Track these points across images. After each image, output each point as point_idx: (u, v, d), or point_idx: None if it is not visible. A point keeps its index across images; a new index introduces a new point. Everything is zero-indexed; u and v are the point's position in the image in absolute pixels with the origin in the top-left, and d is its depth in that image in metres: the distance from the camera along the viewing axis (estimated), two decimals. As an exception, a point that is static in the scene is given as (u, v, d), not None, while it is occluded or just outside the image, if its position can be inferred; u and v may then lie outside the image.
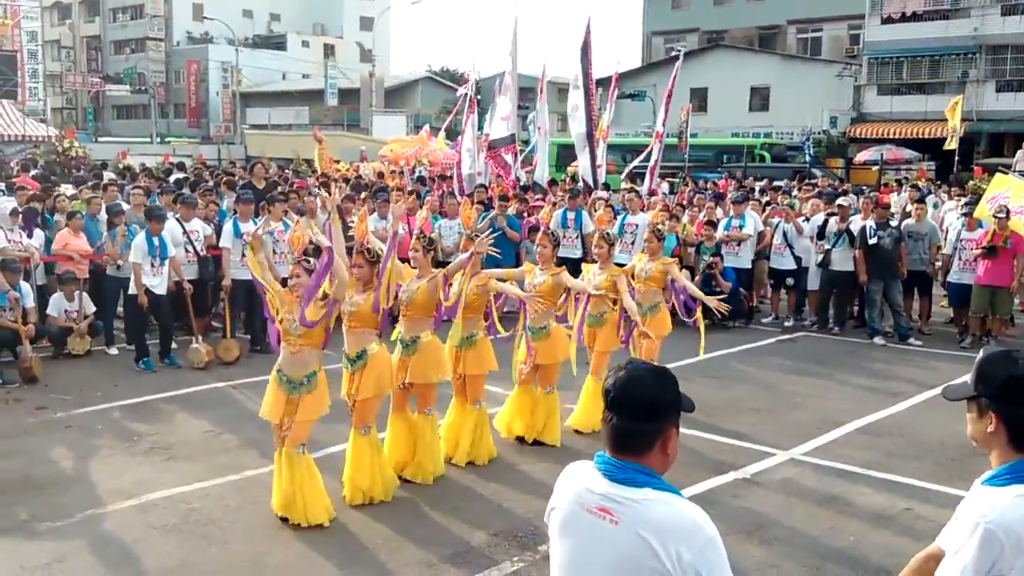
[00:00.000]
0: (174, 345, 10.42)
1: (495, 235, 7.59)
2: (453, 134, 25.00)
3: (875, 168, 27.85)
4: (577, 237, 13.11)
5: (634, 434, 2.46)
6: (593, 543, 2.44)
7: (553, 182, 18.14)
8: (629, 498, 2.40)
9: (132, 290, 10.10)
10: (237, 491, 6.50)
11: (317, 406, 5.95)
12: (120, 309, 11.26)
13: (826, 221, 12.45)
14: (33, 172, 18.65)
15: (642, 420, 2.45)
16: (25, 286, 10.22)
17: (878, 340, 11.84)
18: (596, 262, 8.27)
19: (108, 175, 18.47)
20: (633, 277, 8.39)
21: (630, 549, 2.37)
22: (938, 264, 12.82)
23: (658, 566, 2.33)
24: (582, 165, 16.82)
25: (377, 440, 6.42)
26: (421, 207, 12.40)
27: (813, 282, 12.81)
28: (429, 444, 6.74)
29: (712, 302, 8.15)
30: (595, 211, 13.76)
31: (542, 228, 8.12)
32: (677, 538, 2.33)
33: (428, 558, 5.51)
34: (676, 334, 8.55)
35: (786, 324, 12.97)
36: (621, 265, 8.59)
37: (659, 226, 9.11)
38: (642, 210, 13.58)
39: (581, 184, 16.68)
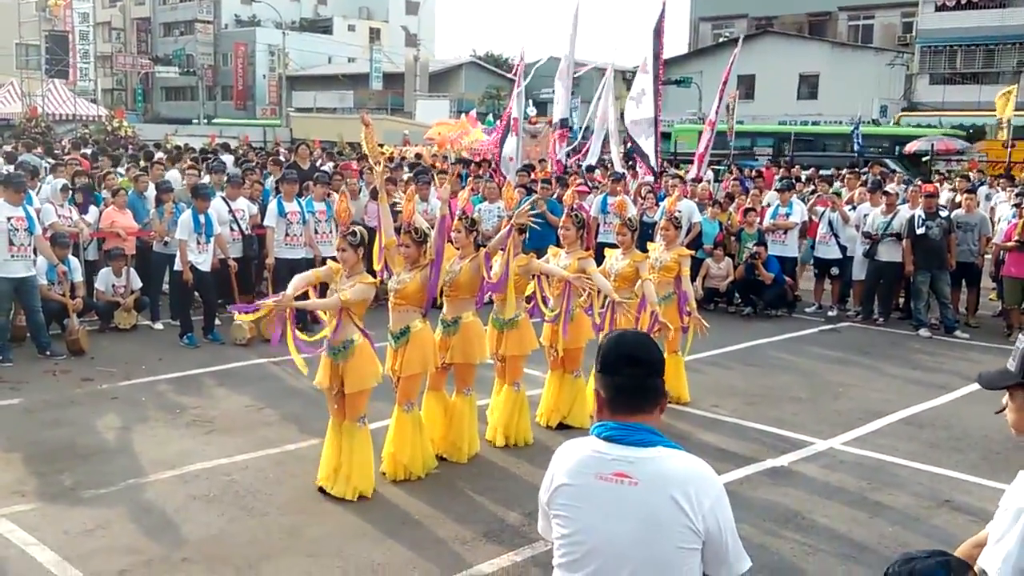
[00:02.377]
0: (217, 321, 10.56)
1: (535, 214, 7.55)
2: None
3: (925, 159, 27.36)
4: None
5: (646, 390, 2.54)
6: (616, 508, 2.45)
7: (592, 168, 18.05)
8: (643, 457, 2.45)
9: (178, 266, 10.24)
10: (276, 464, 6.58)
11: (362, 376, 5.97)
12: (166, 285, 11.44)
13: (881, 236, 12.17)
14: (84, 150, 19.00)
15: (654, 375, 2.55)
16: (74, 260, 10.42)
17: (923, 332, 11.65)
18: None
19: (158, 154, 18.74)
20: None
21: (654, 506, 2.41)
22: (987, 256, 12.56)
23: (682, 518, 2.40)
24: (646, 149, 16.64)
25: (420, 417, 6.47)
26: (464, 188, 12.44)
27: (858, 272, 12.63)
28: (466, 424, 6.76)
29: (691, 323, 8.09)
30: (641, 197, 13.71)
31: (565, 210, 8.04)
32: (696, 489, 2.42)
33: (463, 534, 5.54)
34: (711, 322, 8.43)
35: (829, 314, 12.82)
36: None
37: (676, 214, 8.94)
38: (686, 197, 13.46)
39: (620, 168, 16.59)
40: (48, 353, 9.39)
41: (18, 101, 30.28)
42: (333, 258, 6.65)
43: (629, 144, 17.22)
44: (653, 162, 16.33)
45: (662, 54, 16.58)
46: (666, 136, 25.20)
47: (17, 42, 33.21)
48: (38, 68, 31.55)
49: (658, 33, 16.36)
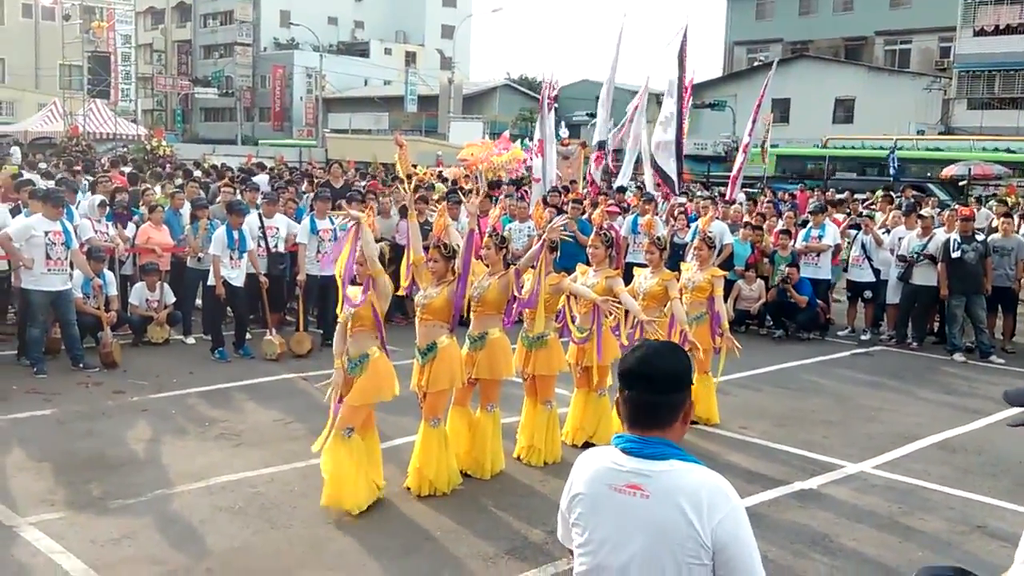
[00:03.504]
0: (248, 336, 10.65)
1: (565, 233, 7.55)
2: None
3: (962, 183, 27.06)
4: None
5: (661, 407, 2.50)
6: (627, 521, 2.45)
7: (621, 189, 18.06)
8: (657, 470, 2.44)
9: (211, 281, 10.35)
10: (302, 478, 6.60)
11: (364, 391, 5.99)
12: (199, 300, 11.58)
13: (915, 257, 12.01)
14: (123, 168, 19.32)
15: (669, 391, 2.49)
16: (109, 275, 10.58)
17: (958, 357, 11.48)
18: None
19: (196, 173, 19.05)
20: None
21: (665, 519, 2.39)
22: (1024, 281, 12.37)
23: (692, 533, 2.37)
24: (669, 172, 16.63)
25: (446, 433, 6.47)
26: (494, 206, 12.50)
27: (892, 295, 12.48)
28: (490, 441, 6.75)
29: (723, 344, 8.07)
30: (672, 218, 13.68)
31: (595, 229, 8.04)
32: (708, 504, 2.38)
33: (486, 551, 5.52)
34: (742, 344, 8.36)
35: (863, 337, 12.67)
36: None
37: (709, 234, 8.91)
38: (718, 218, 13.40)
39: (652, 190, 16.57)
40: (82, 366, 9.51)
41: (60, 120, 30.89)
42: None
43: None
44: (676, 185, 16.32)
45: (684, 77, 16.59)
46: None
47: (61, 63, 33.92)
48: (80, 88, 32.20)
49: (681, 57, 16.38)
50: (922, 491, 6.85)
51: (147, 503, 6.10)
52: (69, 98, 32.11)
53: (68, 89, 32.96)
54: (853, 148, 34.33)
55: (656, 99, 19.70)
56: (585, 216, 13.05)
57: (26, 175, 15.26)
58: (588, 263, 7.95)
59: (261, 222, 11.21)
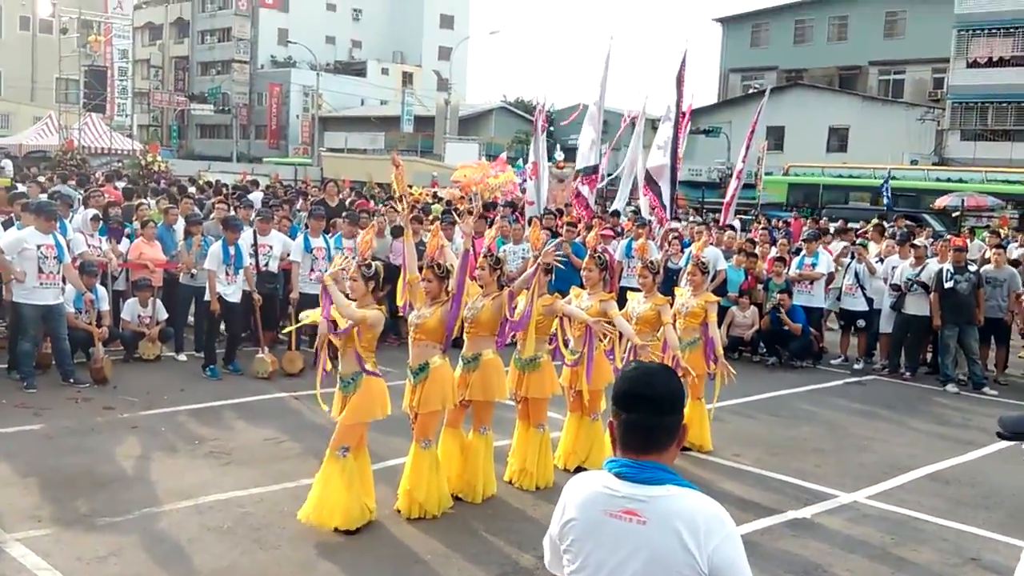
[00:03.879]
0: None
1: (559, 255, 7.53)
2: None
3: (955, 214, 27.16)
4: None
5: (658, 429, 2.47)
6: (621, 547, 2.41)
7: (616, 213, 18.11)
8: (653, 496, 2.40)
9: (207, 297, 10.31)
10: (292, 498, 6.54)
11: (357, 410, 5.97)
12: (191, 318, 11.53)
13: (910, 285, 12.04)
14: (118, 183, 19.28)
15: (667, 413, 2.47)
16: (101, 290, 10.53)
17: (951, 387, 11.48)
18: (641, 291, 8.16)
19: (190, 189, 19.03)
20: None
21: (662, 545, 2.36)
22: (1016, 312, 12.38)
23: (688, 559, 2.34)
24: (664, 195, 16.72)
25: (436, 455, 6.43)
26: (489, 228, 12.50)
27: (885, 324, 12.50)
28: (482, 463, 6.70)
29: (717, 370, 8.03)
30: (668, 243, 13.70)
31: (588, 251, 8.05)
32: (705, 530, 2.35)
33: (476, 575, 5.47)
34: (735, 371, 8.34)
35: (855, 367, 12.66)
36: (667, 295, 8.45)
37: (703, 260, 8.92)
38: (712, 244, 13.42)
39: (647, 215, 16.62)
40: (72, 381, 9.44)
41: (55, 134, 30.87)
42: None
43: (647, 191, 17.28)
44: (668, 209, 16.39)
45: (682, 102, 16.69)
46: (750, 187, 24.86)
47: (57, 76, 33.92)
48: (76, 102, 32.17)
49: (679, 82, 16.49)
50: (915, 522, 6.83)
51: (135, 521, 6.04)
52: (65, 112, 32.08)
53: (64, 103, 32.89)
54: (868, 177, 33.61)
55: (652, 124, 19.77)
56: (579, 239, 13.05)
57: (20, 188, 15.23)
58: (582, 286, 7.94)
59: (255, 239, 11.15)
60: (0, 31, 51.63)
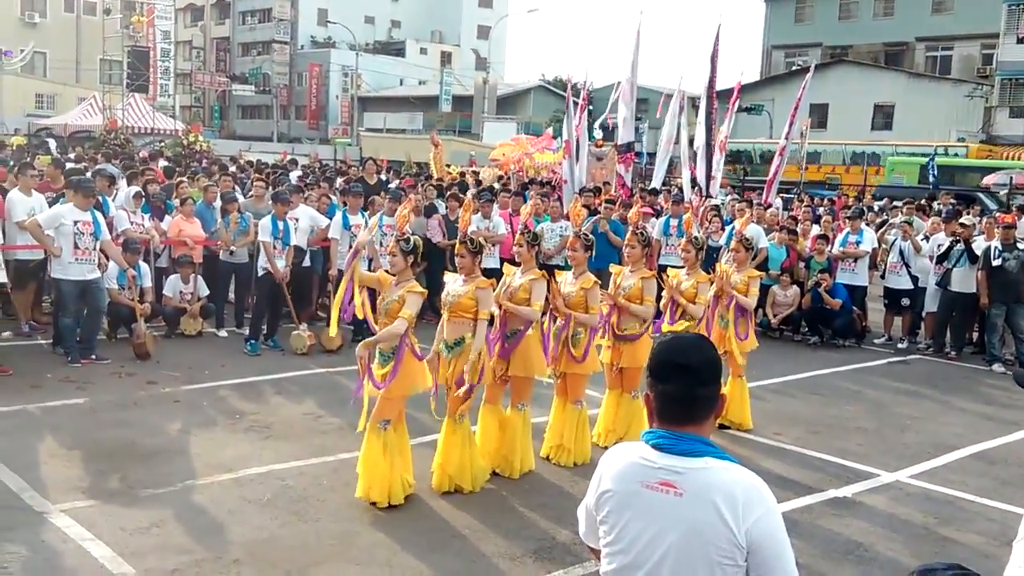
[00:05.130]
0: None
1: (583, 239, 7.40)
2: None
3: (1003, 192, 26.59)
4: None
5: (697, 400, 2.42)
6: (659, 519, 2.37)
7: (656, 191, 17.95)
8: (691, 468, 2.36)
9: (261, 269, 10.40)
10: (331, 472, 6.59)
11: (400, 384, 5.97)
12: (231, 294, 11.65)
13: (950, 247, 11.81)
14: (162, 163, 19.49)
15: (705, 383, 2.42)
16: (144, 266, 10.64)
17: (997, 367, 11.25)
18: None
19: (232, 168, 19.18)
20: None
21: (699, 518, 2.32)
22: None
23: (726, 532, 2.30)
24: (699, 173, 16.56)
25: (470, 429, 6.42)
26: (525, 204, 12.51)
27: (930, 303, 12.28)
28: (519, 439, 6.69)
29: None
30: (707, 221, 13.55)
31: (630, 228, 7.98)
32: (744, 503, 2.31)
33: (512, 550, 5.47)
34: (776, 350, 8.28)
35: (899, 346, 12.46)
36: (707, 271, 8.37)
37: (747, 236, 8.82)
38: (754, 222, 13.24)
39: (686, 192, 16.46)
40: (94, 357, 9.42)
41: (99, 114, 31.23)
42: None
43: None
44: (705, 186, 16.22)
45: (715, 79, 16.47)
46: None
47: (101, 57, 34.29)
48: (120, 83, 32.51)
49: (713, 59, 16.28)
50: (959, 502, 6.71)
51: (176, 493, 6.11)
52: (108, 92, 32.43)
53: (108, 84, 33.32)
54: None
55: (692, 102, 19.52)
56: (617, 216, 12.96)
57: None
58: (621, 263, 7.88)
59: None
60: (46, 14, 52.29)
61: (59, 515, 5.66)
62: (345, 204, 11.53)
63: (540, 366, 6.74)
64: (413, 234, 6.87)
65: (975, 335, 12.47)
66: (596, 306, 7.03)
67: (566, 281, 7.15)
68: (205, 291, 11.18)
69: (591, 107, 18.77)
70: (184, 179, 14.17)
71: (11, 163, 13.25)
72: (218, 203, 12.05)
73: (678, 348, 2.47)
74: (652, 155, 21.58)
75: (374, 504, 5.94)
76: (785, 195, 24.28)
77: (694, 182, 17.02)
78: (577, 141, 16.54)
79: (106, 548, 5.24)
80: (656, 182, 19.14)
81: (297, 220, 10.86)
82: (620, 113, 17.52)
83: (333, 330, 6.98)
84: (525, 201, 13.25)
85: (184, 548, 5.31)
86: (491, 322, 6.44)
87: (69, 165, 14.76)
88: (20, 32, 47.73)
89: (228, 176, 14.43)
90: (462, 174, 19.71)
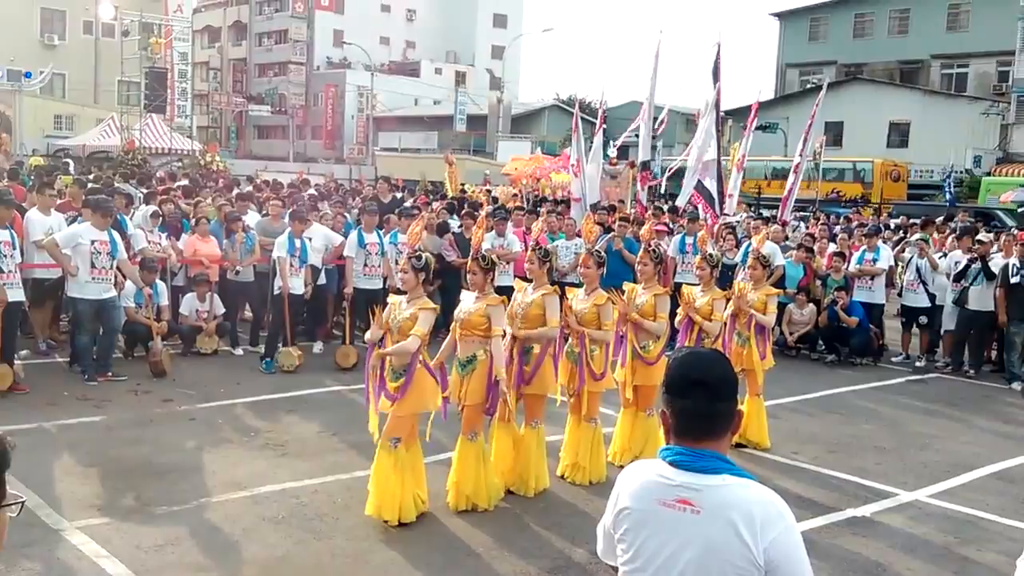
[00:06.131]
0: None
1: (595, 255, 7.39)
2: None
3: (1020, 209, 26.46)
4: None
5: (716, 416, 2.41)
6: (676, 537, 2.35)
7: (674, 210, 17.91)
8: (709, 485, 2.34)
9: (276, 288, 10.45)
10: (345, 490, 6.58)
11: (411, 402, 5.96)
12: (247, 312, 11.72)
13: (967, 266, 11.72)
14: (180, 183, 19.62)
15: (723, 399, 2.41)
16: (160, 285, 10.70)
17: (1016, 385, 11.14)
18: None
19: (247, 188, 19.30)
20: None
21: (717, 537, 2.30)
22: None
23: (744, 551, 2.28)
24: (711, 190, 16.51)
25: (484, 447, 6.41)
26: (537, 221, 12.54)
27: (948, 322, 12.18)
28: (533, 457, 6.66)
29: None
30: (723, 239, 13.52)
31: (643, 246, 7.97)
32: (762, 521, 2.29)
33: (528, 569, 5.44)
34: (793, 369, 8.24)
35: (917, 364, 12.36)
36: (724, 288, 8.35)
37: (763, 254, 8.81)
38: (770, 240, 13.19)
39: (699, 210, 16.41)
40: (110, 374, 9.44)
41: (117, 135, 31.48)
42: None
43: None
44: (716, 204, 16.16)
45: (720, 96, 16.49)
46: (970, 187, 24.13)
47: (119, 79, 34.59)
48: (137, 103, 32.78)
49: (716, 73, 16.27)
50: (980, 522, 6.63)
51: (192, 511, 6.12)
52: (126, 113, 32.71)
53: (126, 104, 33.50)
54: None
55: (690, 120, 19.51)
56: (631, 235, 12.94)
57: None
58: (635, 281, 7.87)
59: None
60: (65, 35, 52.87)
61: (74, 532, 5.67)
62: (360, 223, 11.58)
63: (553, 384, 6.73)
64: (426, 251, 6.89)
65: (994, 353, 12.35)
66: (609, 322, 7.02)
67: (578, 298, 7.13)
68: (221, 309, 11.23)
69: (605, 126, 18.77)
70: (201, 198, 14.27)
71: (30, 182, 13.38)
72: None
73: (695, 364, 2.45)
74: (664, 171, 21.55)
75: (386, 522, 5.92)
76: (801, 214, 24.22)
77: (700, 201, 16.97)
78: (588, 159, 16.57)
79: (121, 566, 5.24)
80: (682, 200, 19.07)
81: (311, 239, 10.89)
82: (641, 133, 17.57)
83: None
84: (536, 218, 13.28)
85: (199, 566, 5.31)
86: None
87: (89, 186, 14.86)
88: (39, 54, 48.19)
89: (244, 198, 14.46)
90: (488, 193, 19.79)
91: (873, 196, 30.50)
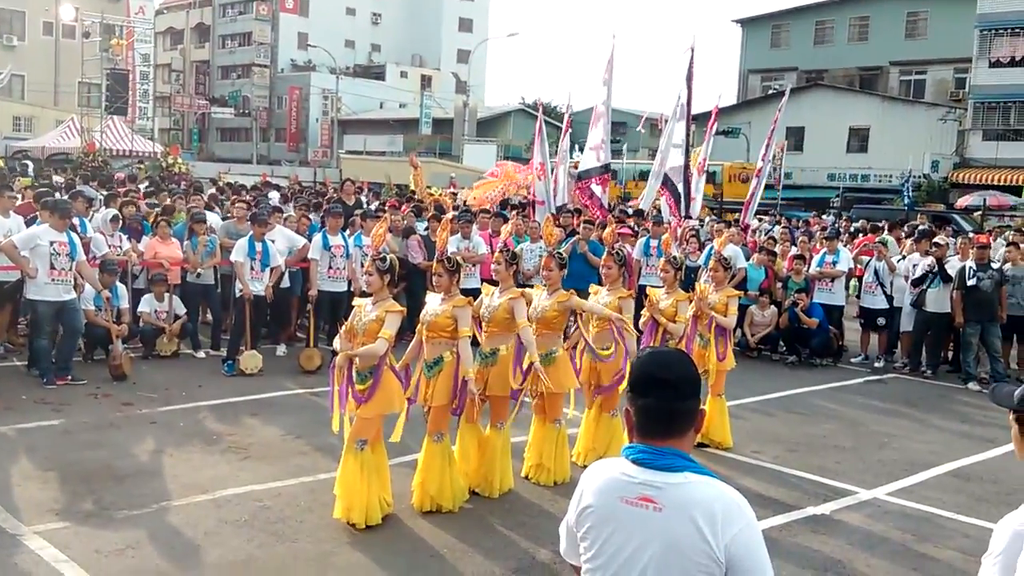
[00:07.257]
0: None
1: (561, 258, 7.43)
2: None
3: (977, 214, 26.95)
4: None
5: (679, 414, 2.43)
6: (638, 534, 2.37)
7: (640, 212, 18.00)
8: (671, 483, 2.36)
9: (238, 291, 10.39)
10: (309, 492, 6.55)
11: (377, 403, 5.96)
12: (208, 315, 11.65)
13: (925, 274, 11.91)
14: (143, 186, 19.40)
15: (688, 397, 2.44)
16: (120, 287, 10.58)
17: (972, 385, 11.35)
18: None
19: (211, 191, 19.15)
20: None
21: (679, 533, 2.32)
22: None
23: (705, 548, 2.31)
24: (678, 195, 16.62)
25: (450, 449, 6.42)
26: (505, 224, 12.56)
27: (906, 323, 12.38)
28: (499, 458, 6.68)
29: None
30: (687, 242, 13.64)
31: (607, 249, 8.03)
32: (723, 518, 2.31)
33: (492, 570, 5.45)
34: (755, 370, 8.33)
35: (876, 365, 12.55)
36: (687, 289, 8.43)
37: (725, 256, 8.90)
38: (732, 242, 13.30)
39: (663, 213, 16.51)
40: (70, 378, 9.29)
41: (77, 136, 31.05)
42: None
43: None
44: (683, 207, 16.27)
45: (691, 100, 16.61)
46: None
47: (80, 80, 34.14)
48: (98, 105, 32.36)
49: (688, 80, 16.40)
50: (937, 519, 6.75)
51: (152, 514, 6.05)
52: (87, 115, 32.28)
53: (86, 106, 33.05)
54: None
55: (655, 125, 19.63)
56: (596, 237, 13.00)
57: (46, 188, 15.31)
58: (600, 283, 7.91)
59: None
60: (24, 36, 52.08)
61: (33, 537, 5.59)
62: (324, 225, 11.53)
63: (574, 380, 6.84)
64: (390, 253, 6.88)
65: (950, 354, 12.57)
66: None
67: (540, 296, 7.15)
68: (181, 309, 11.10)
69: (571, 130, 18.79)
70: (165, 199, 14.13)
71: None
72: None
73: (658, 363, 2.48)
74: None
75: (353, 525, 5.90)
76: (761, 217, 24.46)
77: (671, 203, 17.07)
78: (555, 163, 16.60)
79: (80, 570, 5.18)
80: (645, 203, 19.16)
81: (274, 241, 10.85)
82: (595, 136, 17.56)
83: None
84: (505, 221, 13.29)
85: (160, 570, 5.26)
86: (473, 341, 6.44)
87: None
88: (-3, 55, 47.48)
89: (197, 195, 14.36)
90: (454, 196, 19.75)
91: (725, 195, 31.82)
